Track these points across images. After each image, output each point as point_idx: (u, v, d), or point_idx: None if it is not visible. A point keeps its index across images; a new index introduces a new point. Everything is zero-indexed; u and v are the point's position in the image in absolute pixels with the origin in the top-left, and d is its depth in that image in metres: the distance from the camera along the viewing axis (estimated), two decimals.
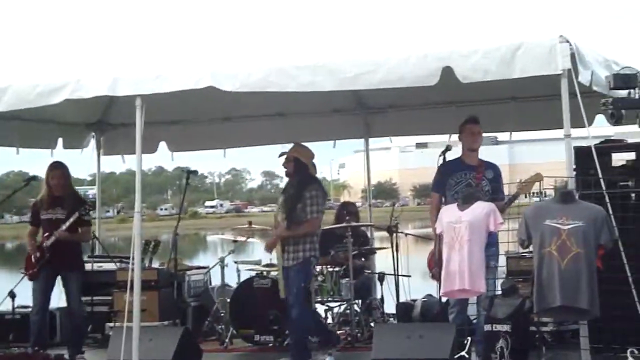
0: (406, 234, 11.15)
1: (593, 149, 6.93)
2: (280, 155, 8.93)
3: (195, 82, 7.47)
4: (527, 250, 7.94)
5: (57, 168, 9.46)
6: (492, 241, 7.71)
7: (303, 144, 9.15)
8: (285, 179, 9.10)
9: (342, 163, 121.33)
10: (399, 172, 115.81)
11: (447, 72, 6.93)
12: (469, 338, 7.01)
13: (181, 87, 7.52)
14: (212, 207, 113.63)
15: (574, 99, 6.81)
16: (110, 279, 10.60)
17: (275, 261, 9.40)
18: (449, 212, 7.53)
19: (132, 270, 7.64)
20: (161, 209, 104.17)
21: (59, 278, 9.40)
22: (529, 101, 10.26)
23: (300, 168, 8.76)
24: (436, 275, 8.02)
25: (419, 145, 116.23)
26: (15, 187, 10.14)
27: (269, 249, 9.07)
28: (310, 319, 9.07)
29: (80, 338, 9.50)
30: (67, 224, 9.15)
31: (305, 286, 8.72)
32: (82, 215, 9.20)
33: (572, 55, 6.81)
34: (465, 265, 7.21)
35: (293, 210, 8.64)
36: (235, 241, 11.51)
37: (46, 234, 9.26)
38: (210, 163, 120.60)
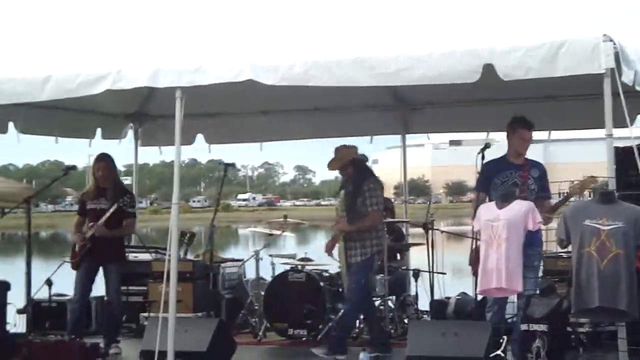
0: (442, 231, 11.13)
1: (635, 149, 6.85)
2: (332, 167, 8.95)
3: (235, 75, 7.47)
4: (564, 250, 7.89)
5: (103, 160, 9.53)
6: (536, 241, 7.69)
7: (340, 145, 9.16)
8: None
9: (375, 159, 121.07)
10: (432, 169, 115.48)
11: (489, 70, 6.89)
12: (505, 337, 6.97)
13: (221, 80, 7.52)
14: (244, 200, 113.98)
15: (616, 99, 6.75)
16: (146, 270, 10.67)
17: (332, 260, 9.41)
18: (488, 210, 7.50)
19: (169, 261, 7.65)
20: (194, 201, 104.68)
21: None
22: (568, 100, 10.19)
23: (356, 166, 8.81)
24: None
25: (453, 143, 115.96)
26: (50, 176, 10.20)
27: (329, 249, 9.08)
28: (357, 318, 9.11)
29: (116, 328, 9.57)
30: (106, 215, 9.20)
31: (365, 282, 8.78)
32: (121, 206, 9.24)
33: (616, 54, 6.74)
34: (503, 264, 7.18)
35: (354, 205, 8.70)
36: (270, 235, 11.52)
37: (90, 224, 9.35)
38: (244, 156, 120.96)
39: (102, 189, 9.45)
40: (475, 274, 7.86)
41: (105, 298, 9.61)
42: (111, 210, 9.20)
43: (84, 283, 9.40)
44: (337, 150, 9.08)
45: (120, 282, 9.53)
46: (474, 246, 7.87)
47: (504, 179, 8.03)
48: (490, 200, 7.96)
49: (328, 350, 8.70)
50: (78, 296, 9.39)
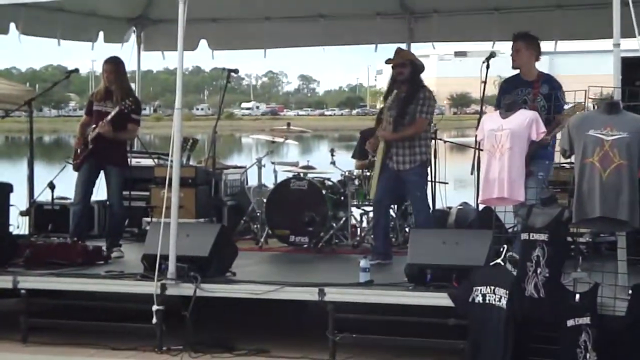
0: (445, 141, 11.11)
1: None
2: (388, 62, 8.86)
3: None
4: (567, 160, 7.87)
5: (110, 62, 9.44)
6: (546, 154, 7.68)
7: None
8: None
9: (379, 69, 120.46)
10: (437, 80, 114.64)
11: None
12: (505, 246, 6.99)
13: None
14: (248, 109, 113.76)
15: (625, 8, 6.64)
16: (148, 175, 10.69)
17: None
18: (491, 120, 7.45)
19: (171, 166, 7.65)
20: (197, 109, 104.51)
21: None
22: (576, 9, 10.08)
23: (414, 71, 8.78)
24: None
25: (458, 54, 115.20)
26: (53, 81, 10.13)
27: (372, 147, 9.06)
28: (434, 222, 9.15)
29: (118, 232, 9.61)
30: (110, 115, 9.17)
31: (426, 190, 8.87)
32: (123, 109, 9.18)
33: None
34: (505, 173, 7.16)
35: (405, 109, 8.66)
36: (273, 142, 11.51)
37: (94, 125, 9.32)
38: (248, 65, 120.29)
39: (109, 92, 9.39)
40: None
41: (107, 201, 9.64)
42: (113, 113, 9.16)
43: (85, 185, 9.40)
44: (398, 50, 9.03)
45: (122, 186, 9.53)
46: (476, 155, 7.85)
47: (515, 96, 7.95)
48: None
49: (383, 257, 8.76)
50: (79, 198, 9.39)
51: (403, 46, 11.50)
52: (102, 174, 9.45)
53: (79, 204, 9.39)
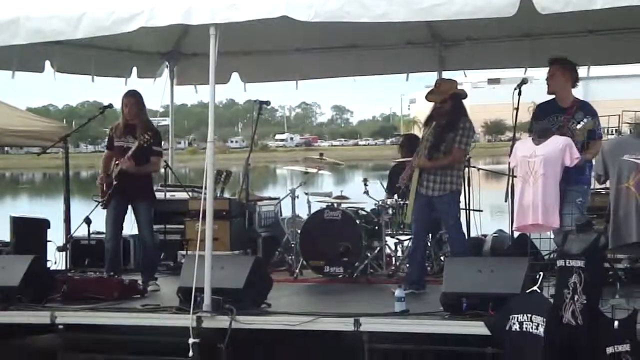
0: (479, 169, 11.07)
1: None
2: (432, 99, 8.84)
3: (269, 11, 7.39)
4: (602, 186, 7.82)
5: (130, 96, 9.51)
6: (584, 180, 7.63)
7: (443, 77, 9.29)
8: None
9: (412, 98, 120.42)
10: (470, 108, 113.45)
11: (526, 3, 6.75)
12: (541, 273, 6.94)
13: (255, 16, 7.45)
14: (282, 140, 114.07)
15: None
16: (183, 208, 10.72)
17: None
18: (524, 146, 7.44)
19: (205, 199, 7.68)
20: (231, 142, 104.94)
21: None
22: (608, 34, 10.03)
23: (456, 100, 8.77)
24: None
25: (491, 82, 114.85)
26: (89, 117, 10.24)
27: (406, 179, 8.99)
28: (469, 250, 9.12)
29: (152, 265, 9.65)
30: (130, 152, 9.21)
31: (457, 216, 8.86)
32: (142, 143, 9.24)
33: None
34: (539, 200, 7.14)
35: (442, 139, 8.66)
36: (306, 173, 11.52)
37: (117, 161, 9.38)
38: (281, 96, 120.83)
39: (130, 126, 9.44)
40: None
41: (138, 236, 9.68)
42: (134, 147, 9.20)
43: (115, 222, 9.46)
44: (438, 83, 9.03)
45: (152, 219, 9.57)
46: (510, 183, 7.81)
47: (550, 121, 7.90)
48: None
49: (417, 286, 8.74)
50: (110, 235, 9.46)
51: (432, 76, 11.57)
52: (130, 209, 9.50)
53: (110, 240, 9.46)
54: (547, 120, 7.94)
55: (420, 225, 8.95)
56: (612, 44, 10.22)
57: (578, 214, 7.44)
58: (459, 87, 8.92)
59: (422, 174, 8.76)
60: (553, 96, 8.13)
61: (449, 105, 8.75)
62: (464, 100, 8.98)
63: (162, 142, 9.87)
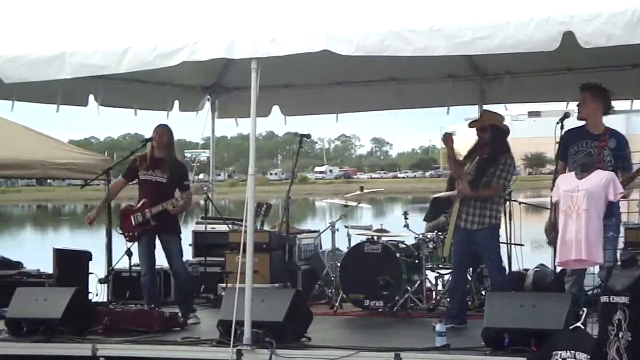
0: (520, 203, 11.00)
1: None
2: (471, 125, 8.90)
3: (310, 46, 7.42)
4: None
5: (165, 129, 9.58)
6: (613, 212, 7.53)
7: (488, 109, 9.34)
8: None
9: (452, 131, 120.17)
10: (511, 140, 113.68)
11: (568, 37, 6.73)
12: (585, 309, 6.86)
13: (296, 51, 7.49)
14: (321, 172, 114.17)
15: None
16: (223, 241, 10.77)
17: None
18: (567, 181, 7.38)
19: (245, 232, 7.69)
20: (271, 174, 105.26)
21: None
22: None
23: (497, 135, 8.78)
24: (552, 241, 7.89)
25: (532, 114, 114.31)
26: (131, 149, 10.32)
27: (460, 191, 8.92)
28: (510, 284, 9.10)
29: (189, 298, 9.66)
30: (182, 197, 9.31)
31: (499, 251, 8.84)
32: (187, 184, 9.39)
33: None
34: (582, 235, 7.06)
35: (483, 172, 8.67)
36: (346, 206, 11.51)
37: (143, 200, 9.41)
38: (320, 128, 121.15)
39: (158, 160, 9.49)
40: (550, 242, 7.77)
41: (171, 270, 9.70)
42: (185, 195, 9.36)
43: (149, 257, 9.55)
44: (483, 112, 9.12)
45: (182, 251, 9.62)
46: (551, 217, 7.75)
47: (579, 148, 7.89)
48: (568, 170, 7.83)
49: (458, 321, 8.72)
50: (145, 269, 9.53)
51: (475, 109, 11.54)
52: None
53: (146, 274, 9.53)
54: (577, 145, 7.91)
55: (459, 259, 8.92)
56: None
57: (611, 248, 7.37)
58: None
59: (461, 207, 8.74)
60: (583, 122, 8.07)
61: (488, 136, 8.75)
62: None
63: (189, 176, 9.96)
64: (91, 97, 10.53)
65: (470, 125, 8.94)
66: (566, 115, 8.21)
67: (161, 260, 9.81)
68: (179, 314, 9.15)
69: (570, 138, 8.01)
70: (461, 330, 8.53)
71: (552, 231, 7.84)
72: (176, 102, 11.73)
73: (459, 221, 8.76)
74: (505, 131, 8.93)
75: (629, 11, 6.58)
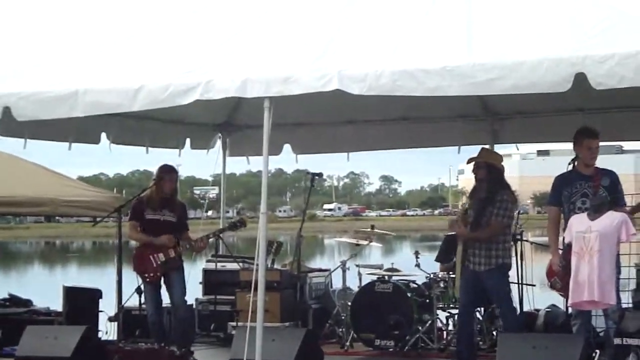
0: (531, 243, 10.96)
1: None
2: (469, 161, 8.92)
3: (323, 85, 7.42)
4: None
5: (173, 171, 9.67)
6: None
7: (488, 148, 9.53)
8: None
9: (461, 169, 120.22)
10: (520, 179, 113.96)
11: (580, 78, 6.74)
12: (597, 351, 6.82)
13: (309, 90, 7.49)
14: (330, 210, 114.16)
15: None
16: (234, 279, 10.74)
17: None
18: (579, 222, 7.37)
19: (257, 270, 7.67)
20: (280, 211, 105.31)
21: None
22: None
23: (493, 173, 8.76)
24: (555, 286, 7.90)
25: (541, 153, 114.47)
26: (140, 186, 10.35)
27: (459, 232, 8.94)
28: (522, 324, 9.07)
29: (187, 333, 9.70)
30: (206, 237, 9.63)
31: (508, 289, 8.80)
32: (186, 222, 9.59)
33: None
34: (595, 276, 7.04)
35: (482, 213, 8.66)
36: (357, 245, 11.49)
37: (189, 245, 9.52)
38: (330, 166, 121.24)
39: (165, 200, 9.54)
40: (552, 286, 7.79)
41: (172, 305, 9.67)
42: (211, 233, 9.84)
43: (157, 297, 9.58)
44: (480, 150, 9.11)
45: (185, 287, 9.59)
46: (556, 260, 7.75)
47: (573, 190, 7.94)
48: (563, 214, 7.87)
49: None
50: (153, 309, 9.53)
51: (486, 147, 11.53)
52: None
53: (153, 315, 9.54)
54: (570, 188, 7.94)
55: (465, 300, 8.86)
56: None
57: (617, 289, 7.35)
58: (506, 159, 8.95)
59: (467, 249, 8.71)
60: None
61: (483, 173, 8.74)
62: (510, 174, 8.98)
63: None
64: (103, 135, 10.57)
65: (468, 161, 8.95)
66: (578, 156, 8.23)
67: (167, 298, 9.79)
68: (196, 356, 9.07)
69: (562, 182, 8.08)
70: None
71: (552, 275, 7.86)
72: (188, 140, 11.77)
73: (467, 264, 8.73)
74: (500, 171, 8.89)
75: None
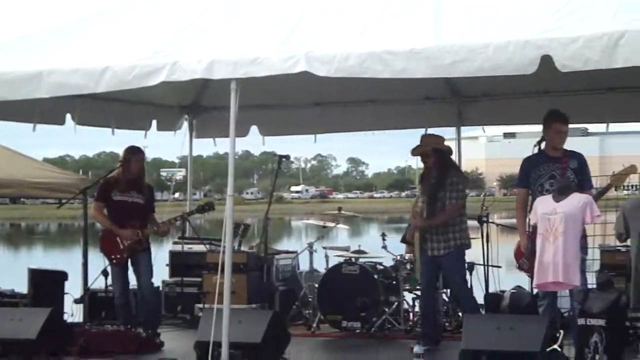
0: (497, 224, 11.03)
1: None
2: (415, 153, 8.92)
3: (290, 66, 7.39)
4: (622, 244, 7.77)
5: (140, 152, 9.62)
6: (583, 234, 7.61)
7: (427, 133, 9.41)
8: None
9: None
10: (486, 161, 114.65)
11: (546, 61, 6.77)
12: (562, 331, 6.89)
13: (276, 71, 7.46)
14: (297, 192, 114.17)
15: None
16: (200, 261, 10.73)
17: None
18: (544, 204, 7.42)
19: (223, 252, 7.67)
20: (247, 193, 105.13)
21: None
22: (628, 92, 10.04)
23: (440, 157, 8.77)
24: (523, 266, 7.96)
25: (507, 135, 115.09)
26: (106, 168, 10.33)
27: (410, 236, 9.08)
28: (478, 306, 9.12)
29: (155, 315, 9.69)
30: (172, 220, 9.57)
31: (463, 272, 8.89)
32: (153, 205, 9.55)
33: None
34: (560, 257, 7.10)
35: (435, 198, 8.68)
36: (324, 227, 11.51)
37: (131, 222, 9.40)
38: (297, 148, 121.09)
39: (132, 181, 9.50)
40: (520, 267, 7.85)
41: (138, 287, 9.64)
42: (178, 217, 9.85)
43: (124, 279, 9.57)
44: (422, 137, 9.09)
45: (152, 268, 9.58)
46: (523, 242, 7.80)
47: (541, 172, 7.99)
48: (531, 195, 7.92)
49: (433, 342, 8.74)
50: (119, 292, 9.52)
51: (452, 130, 11.59)
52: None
53: (120, 297, 9.52)
54: (538, 169, 7.98)
55: (427, 284, 8.93)
56: (630, 102, 10.23)
57: (583, 271, 7.41)
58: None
59: (424, 234, 8.75)
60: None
61: (431, 160, 8.78)
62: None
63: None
64: (68, 116, 10.48)
65: (413, 153, 8.96)
66: (543, 139, 8.27)
67: (134, 280, 9.76)
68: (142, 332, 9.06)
69: (529, 165, 8.13)
70: (438, 352, 8.53)
71: (520, 256, 7.92)
72: (154, 122, 11.70)
73: (426, 249, 8.78)
74: (447, 151, 8.93)
75: (606, 36, 6.62)
